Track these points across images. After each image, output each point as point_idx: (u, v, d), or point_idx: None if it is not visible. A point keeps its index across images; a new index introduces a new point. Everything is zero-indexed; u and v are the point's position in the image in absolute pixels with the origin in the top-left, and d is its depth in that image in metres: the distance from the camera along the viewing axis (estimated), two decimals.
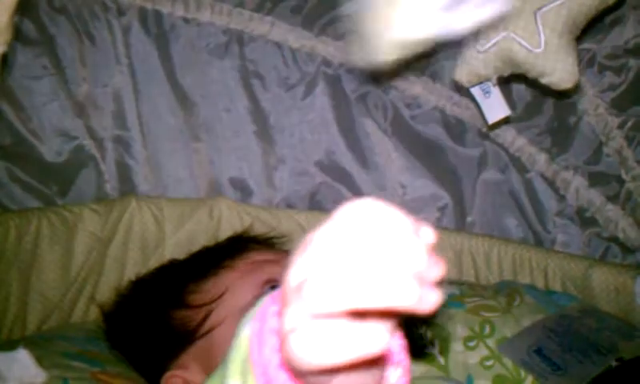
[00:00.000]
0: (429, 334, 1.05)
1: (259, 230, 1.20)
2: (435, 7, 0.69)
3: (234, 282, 0.96)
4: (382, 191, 1.30)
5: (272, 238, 1.14)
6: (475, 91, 0.95)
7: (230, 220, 1.21)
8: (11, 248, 1.02)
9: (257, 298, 0.91)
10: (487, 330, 1.03)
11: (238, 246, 1.06)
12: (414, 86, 1.26)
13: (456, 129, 1.28)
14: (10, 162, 1.11)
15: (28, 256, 1.05)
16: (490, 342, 1.01)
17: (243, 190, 1.27)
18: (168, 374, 0.91)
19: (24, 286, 1.05)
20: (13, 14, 0.58)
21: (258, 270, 0.98)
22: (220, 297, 0.94)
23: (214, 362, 0.88)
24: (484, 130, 1.26)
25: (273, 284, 0.95)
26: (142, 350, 0.97)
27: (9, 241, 1.02)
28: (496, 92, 0.95)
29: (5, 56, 0.60)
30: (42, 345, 0.93)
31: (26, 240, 1.04)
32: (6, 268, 1.01)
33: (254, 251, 1.03)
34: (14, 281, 1.03)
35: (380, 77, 1.24)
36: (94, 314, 1.11)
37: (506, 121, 0.98)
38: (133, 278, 1.10)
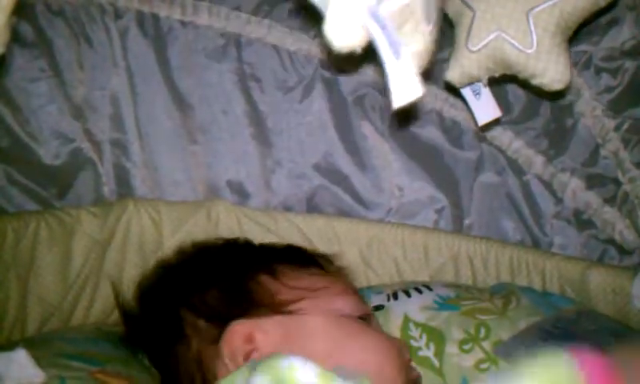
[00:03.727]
0: (424, 337, 1.05)
1: (258, 233, 1.20)
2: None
3: (333, 286, 0.98)
4: (379, 194, 1.30)
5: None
6: (466, 92, 0.95)
7: (227, 222, 1.21)
8: (9, 251, 1.03)
9: (352, 316, 0.94)
10: (483, 332, 1.03)
11: (324, 262, 1.07)
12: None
13: (453, 131, 1.28)
14: (8, 164, 1.12)
15: (26, 259, 1.05)
16: (486, 345, 1.02)
17: (240, 193, 1.27)
18: (238, 322, 0.91)
19: (23, 289, 1.05)
20: (10, 15, 0.58)
21: (355, 294, 1.00)
22: (317, 290, 0.95)
23: (293, 343, 0.89)
24: (480, 131, 1.26)
25: (363, 316, 0.97)
26: (206, 301, 0.96)
27: (7, 244, 1.02)
28: (486, 93, 0.95)
29: (2, 57, 0.60)
30: (39, 345, 0.93)
31: (23, 243, 1.04)
32: (4, 271, 1.01)
33: (341, 275, 1.06)
34: (13, 284, 1.04)
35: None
36: (94, 316, 1.11)
37: (496, 121, 0.98)
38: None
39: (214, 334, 0.92)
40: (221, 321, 0.92)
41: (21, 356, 0.56)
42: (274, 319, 0.92)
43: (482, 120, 0.97)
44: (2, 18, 0.56)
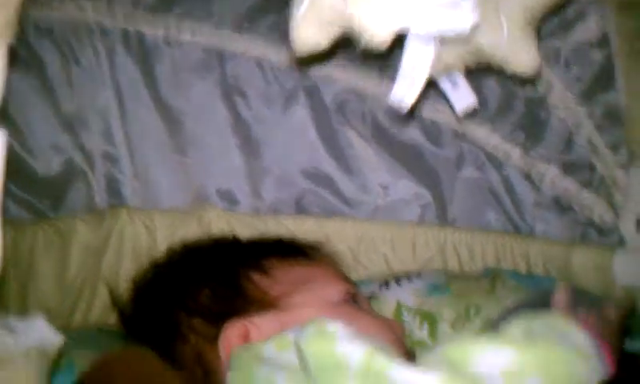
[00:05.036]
0: (417, 320, 1.08)
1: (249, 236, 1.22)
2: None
3: (321, 275, 1.00)
4: (365, 194, 1.33)
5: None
6: (443, 82, 0.99)
7: (219, 228, 1.23)
8: (8, 258, 1.04)
9: (343, 301, 0.97)
10: (473, 311, 1.06)
11: (311, 251, 1.10)
12: (390, 93, 1.30)
13: (432, 131, 1.32)
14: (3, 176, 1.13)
15: (24, 266, 1.07)
16: (477, 323, 1.05)
17: (230, 201, 1.30)
18: (234, 320, 0.93)
19: (22, 296, 1.07)
20: (18, 6, 0.61)
21: (343, 279, 1.03)
22: (307, 282, 0.98)
23: None
24: (459, 130, 1.30)
25: (354, 298, 0.99)
26: (199, 302, 0.98)
27: (5, 252, 1.03)
28: (463, 82, 0.99)
29: (13, 49, 0.63)
30: None
31: (21, 250, 1.06)
32: (3, 278, 1.02)
33: (326, 261, 1.09)
34: (13, 290, 1.05)
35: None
36: (93, 321, 1.13)
37: (473, 110, 1.02)
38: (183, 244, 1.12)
39: (210, 332, 0.94)
40: (216, 320, 0.95)
41: (39, 320, 0.59)
42: (267, 315, 0.94)
43: (460, 108, 1.01)
44: (12, 10, 0.59)
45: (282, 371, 0.79)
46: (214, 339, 0.93)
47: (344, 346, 0.75)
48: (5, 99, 1.10)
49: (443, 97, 1.12)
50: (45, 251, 1.09)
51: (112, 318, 1.12)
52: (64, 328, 1.06)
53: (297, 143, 1.32)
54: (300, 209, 1.32)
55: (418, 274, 1.17)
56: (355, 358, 0.73)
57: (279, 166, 1.32)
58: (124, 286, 1.10)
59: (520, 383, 0.71)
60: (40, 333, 0.58)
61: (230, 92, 1.29)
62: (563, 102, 1.22)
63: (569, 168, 1.25)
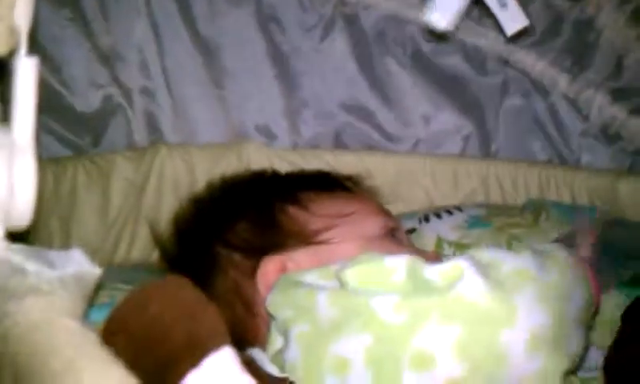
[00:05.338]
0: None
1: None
2: None
3: (361, 209, 0.98)
4: (405, 126, 1.31)
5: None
6: (491, 3, 0.95)
7: (258, 162, 1.22)
8: (50, 195, 1.06)
9: (383, 235, 0.95)
10: (514, 246, 1.05)
11: (351, 184, 1.09)
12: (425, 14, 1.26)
13: (476, 58, 1.29)
14: (43, 113, 1.13)
15: (66, 202, 1.08)
16: None
17: (268, 135, 1.29)
18: (271, 254, 0.93)
19: (65, 233, 1.08)
20: (11, 19, 0.58)
21: (383, 212, 1.01)
22: (346, 216, 0.96)
23: None
24: (504, 56, 1.26)
25: (394, 232, 0.97)
26: (236, 235, 0.98)
27: (47, 188, 1.05)
28: (512, 3, 0.95)
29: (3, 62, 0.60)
30: None
31: (63, 186, 1.07)
32: (46, 215, 1.04)
33: (366, 195, 1.07)
34: (56, 227, 1.07)
35: None
36: (135, 257, 1.14)
37: (524, 31, 0.98)
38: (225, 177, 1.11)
39: (248, 266, 0.94)
40: (254, 254, 0.94)
41: (76, 252, 0.59)
42: (305, 250, 0.94)
43: (511, 30, 0.97)
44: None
45: (322, 290, 0.79)
46: (252, 273, 0.93)
47: (391, 260, 0.78)
48: (36, 30, 1.10)
49: (488, 19, 1.08)
50: (86, 188, 1.10)
51: (154, 256, 1.13)
52: (107, 265, 1.10)
53: (335, 75, 1.30)
54: (339, 143, 1.30)
55: (459, 208, 1.15)
56: (400, 266, 0.77)
57: (317, 98, 1.30)
58: (165, 223, 1.10)
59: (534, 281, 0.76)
60: (77, 264, 0.58)
61: (266, 21, 1.26)
62: (612, 23, 1.18)
63: (617, 94, 1.22)
